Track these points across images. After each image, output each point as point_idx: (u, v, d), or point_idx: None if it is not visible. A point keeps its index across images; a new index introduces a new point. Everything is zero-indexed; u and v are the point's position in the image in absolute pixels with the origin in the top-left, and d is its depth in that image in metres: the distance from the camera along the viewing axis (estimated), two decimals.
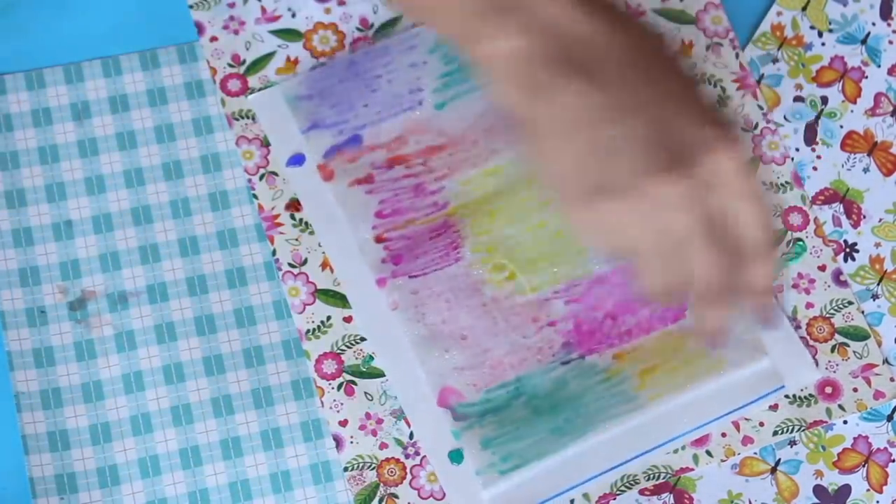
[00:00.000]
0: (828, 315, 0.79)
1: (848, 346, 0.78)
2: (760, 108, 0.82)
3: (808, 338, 0.78)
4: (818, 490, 0.76)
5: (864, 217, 0.81)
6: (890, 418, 0.77)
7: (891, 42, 0.84)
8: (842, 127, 0.83)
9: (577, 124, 0.62)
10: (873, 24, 0.84)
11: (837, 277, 0.80)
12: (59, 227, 0.79)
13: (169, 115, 0.81)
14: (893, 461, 0.77)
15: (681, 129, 0.62)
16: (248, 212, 0.80)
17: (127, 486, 0.75)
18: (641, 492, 0.76)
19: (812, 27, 0.84)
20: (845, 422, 0.77)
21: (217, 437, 0.76)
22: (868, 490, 0.76)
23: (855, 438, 0.77)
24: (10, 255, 0.78)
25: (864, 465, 0.77)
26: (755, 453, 0.76)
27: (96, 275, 0.78)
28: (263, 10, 0.83)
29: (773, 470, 0.76)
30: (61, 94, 0.81)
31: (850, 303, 0.79)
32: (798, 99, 0.83)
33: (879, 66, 0.84)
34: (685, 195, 0.61)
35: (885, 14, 0.85)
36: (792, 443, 0.77)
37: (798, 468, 0.76)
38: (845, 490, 0.76)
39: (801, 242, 0.80)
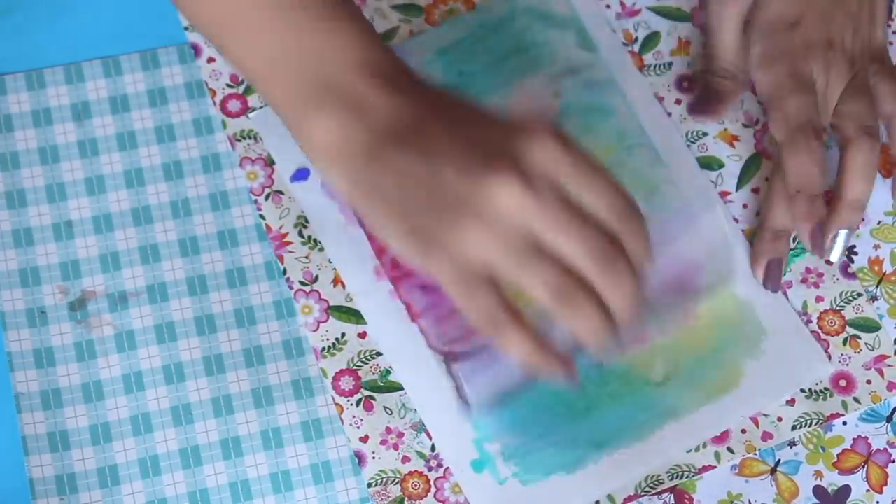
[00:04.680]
0: (838, 308, 0.79)
1: (860, 338, 0.79)
2: (760, 103, 0.83)
3: (819, 332, 0.79)
4: (818, 491, 0.76)
5: (863, 219, 0.81)
6: (889, 419, 0.78)
7: (891, 43, 0.84)
8: None
9: (407, 177, 0.62)
10: None
11: (845, 270, 0.80)
12: (60, 227, 0.79)
13: (169, 116, 0.81)
14: (893, 462, 0.77)
15: (489, 132, 0.63)
16: (249, 212, 0.80)
17: (127, 486, 0.75)
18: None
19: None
20: (845, 423, 0.77)
21: (217, 437, 0.76)
22: (868, 491, 0.76)
23: (854, 439, 0.77)
24: (11, 255, 0.78)
25: (863, 466, 0.77)
26: (755, 453, 0.76)
27: (96, 275, 0.78)
28: None
29: (773, 471, 0.76)
30: (61, 95, 0.81)
31: (860, 294, 0.79)
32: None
33: None
34: (518, 184, 0.61)
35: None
36: (791, 443, 0.77)
37: (798, 469, 0.77)
38: (845, 491, 0.76)
39: None
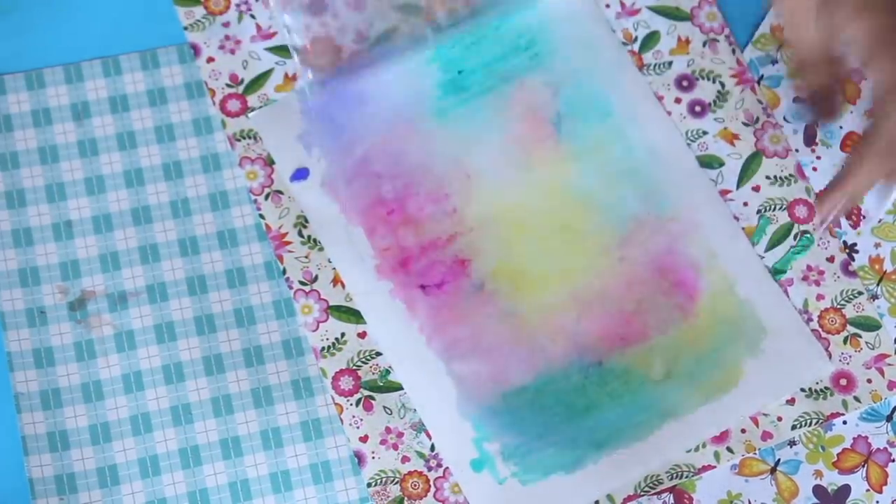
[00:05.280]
0: (839, 306, 0.79)
1: (860, 336, 0.79)
2: (760, 102, 0.83)
3: (820, 330, 0.79)
4: (818, 490, 0.76)
5: (864, 218, 0.81)
6: (889, 418, 0.78)
7: None
8: (841, 128, 0.83)
9: None
10: None
11: (846, 268, 0.80)
12: (59, 227, 0.79)
13: (169, 115, 0.81)
14: (893, 461, 0.77)
15: None
16: (248, 212, 0.80)
17: (127, 486, 0.75)
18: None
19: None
20: (845, 422, 0.77)
21: (217, 437, 0.76)
22: (868, 490, 0.76)
23: (854, 439, 0.77)
24: (10, 255, 0.78)
25: (863, 466, 0.77)
26: (755, 453, 0.76)
27: (96, 275, 0.78)
28: (258, 27, 0.83)
29: (773, 470, 0.76)
30: (61, 94, 0.81)
31: (860, 293, 0.79)
32: (798, 100, 0.83)
33: None
34: None
35: None
36: (791, 443, 0.77)
37: (798, 468, 0.76)
38: (845, 490, 0.76)
39: (808, 235, 0.80)
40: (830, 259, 0.80)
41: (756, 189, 0.81)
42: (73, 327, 0.77)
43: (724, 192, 0.81)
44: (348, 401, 0.77)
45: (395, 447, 0.76)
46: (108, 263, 0.78)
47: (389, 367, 0.77)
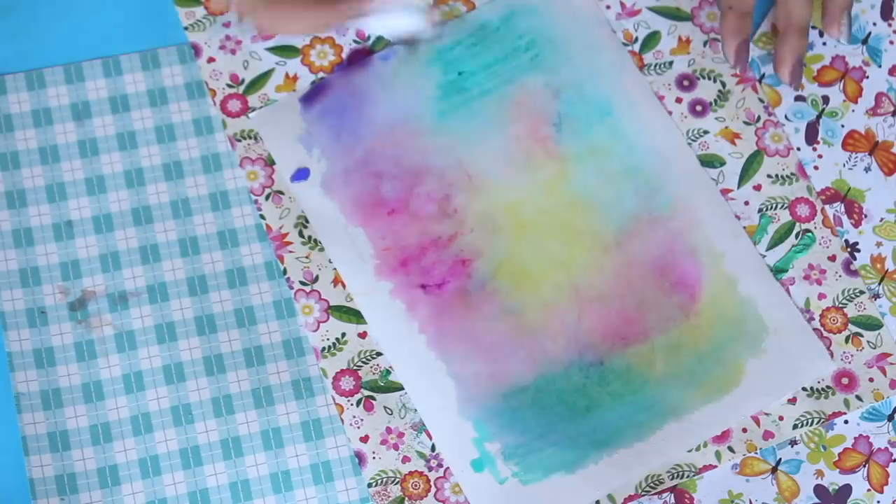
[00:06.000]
0: (840, 305, 0.79)
1: (862, 335, 0.78)
2: (761, 101, 0.83)
3: (821, 329, 0.78)
4: (819, 490, 0.76)
5: (866, 216, 0.81)
6: (891, 418, 0.77)
7: (891, 42, 0.84)
8: (843, 126, 0.83)
9: None
10: (874, 24, 0.85)
11: (848, 267, 0.80)
12: (60, 227, 0.79)
13: (169, 115, 0.81)
14: (894, 461, 0.77)
15: None
16: (249, 212, 0.80)
17: (127, 486, 0.75)
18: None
19: (813, 27, 0.84)
20: (846, 421, 0.77)
21: (217, 437, 0.76)
22: (869, 490, 0.76)
23: (856, 438, 0.77)
24: (11, 255, 0.78)
25: (864, 465, 0.77)
26: (757, 453, 0.76)
27: (96, 275, 0.78)
28: None
29: (774, 470, 0.76)
30: (61, 94, 0.81)
31: (862, 292, 0.79)
32: (799, 98, 0.83)
33: (880, 66, 0.84)
34: None
35: (885, 14, 0.85)
36: (793, 442, 0.77)
37: (799, 468, 0.76)
38: (846, 490, 0.76)
39: (809, 234, 0.80)
40: (832, 258, 0.80)
41: (757, 188, 0.81)
42: (74, 327, 0.77)
43: (725, 191, 0.81)
44: (349, 401, 0.77)
45: (396, 447, 0.76)
46: (109, 263, 0.78)
47: (390, 367, 0.77)
